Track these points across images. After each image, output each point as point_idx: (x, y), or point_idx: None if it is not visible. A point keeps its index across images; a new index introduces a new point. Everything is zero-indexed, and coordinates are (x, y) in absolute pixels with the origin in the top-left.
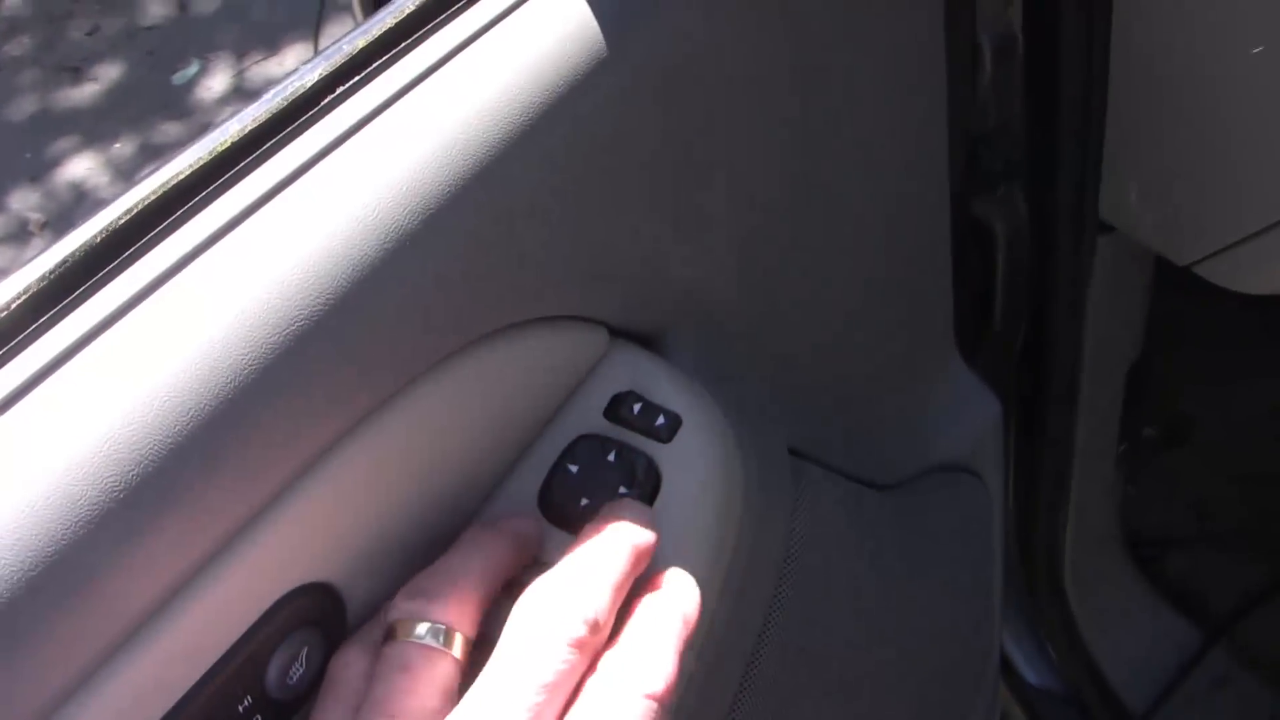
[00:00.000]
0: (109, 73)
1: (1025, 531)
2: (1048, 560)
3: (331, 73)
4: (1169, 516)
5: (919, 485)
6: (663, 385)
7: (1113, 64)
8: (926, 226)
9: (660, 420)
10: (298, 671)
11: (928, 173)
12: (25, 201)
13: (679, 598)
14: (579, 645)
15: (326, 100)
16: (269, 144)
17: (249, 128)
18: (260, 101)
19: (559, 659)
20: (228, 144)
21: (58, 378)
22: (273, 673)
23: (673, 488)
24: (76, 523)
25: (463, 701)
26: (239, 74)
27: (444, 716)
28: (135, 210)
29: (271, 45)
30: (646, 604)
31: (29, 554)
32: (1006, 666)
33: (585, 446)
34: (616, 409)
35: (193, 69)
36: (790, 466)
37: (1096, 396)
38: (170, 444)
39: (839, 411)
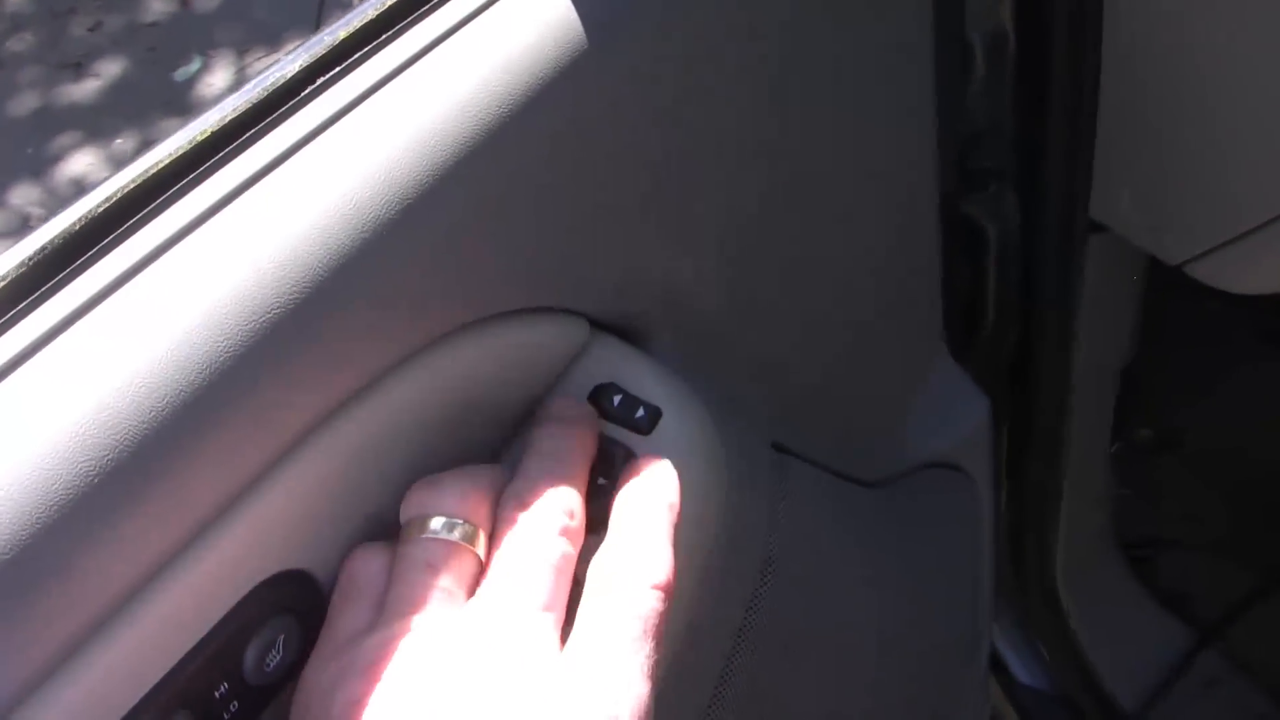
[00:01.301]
0: (111, 69)
1: (1017, 532)
2: (1039, 561)
3: (311, 64)
4: (1160, 518)
5: (906, 482)
6: (644, 378)
7: (1104, 63)
8: (915, 225)
9: (640, 412)
10: (275, 658)
11: (916, 171)
12: (27, 197)
13: (660, 486)
14: (567, 533)
15: (306, 91)
16: (247, 135)
17: (228, 118)
18: (240, 92)
19: (556, 545)
20: (206, 134)
21: (32, 364)
22: (250, 659)
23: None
24: (49, 508)
25: (479, 591)
26: (240, 70)
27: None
28: (113, 199)
29: (273, 41)
30: (630, 497)
31: (0, 539)
32: (998, 666)
33: None
34: (597, 400)
35: (194, 65)
36: (774, 461)
37: (1088, 397)
38: (144, 430)
39: (825, 407)
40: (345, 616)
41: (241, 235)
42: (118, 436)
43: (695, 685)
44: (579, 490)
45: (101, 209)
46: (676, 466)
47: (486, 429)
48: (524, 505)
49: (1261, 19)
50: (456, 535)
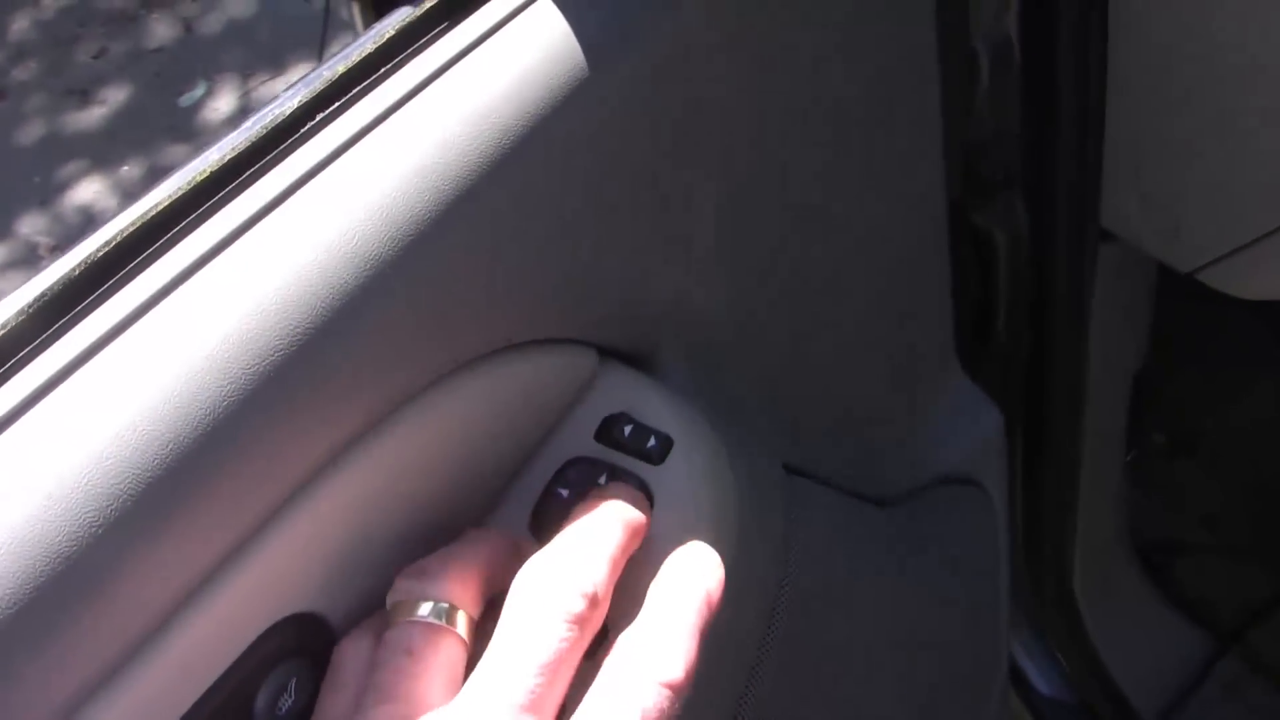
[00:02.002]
0: (116, 95)
1: (1033, 541)
2: (1056, 569)
3: (310, 100)
4: (1178, 524)
5: (920, 499)
6: (654, 406)
7: (1111, 70)
8: (923, 237)
9: (652, 442)
10: (286, 702)
11: (924, 182)
12: (34, 225)
13: (701, 575)
14: (578, 621)
15: (304, 129)
16: (247, 173)
17: (227, 158)
18: (239, 130)
19: (557, 637)
20: (206, 174)
21: (34, 413)
22: (261, 704)
23: (664, 510)
24: (53, 558)
25: (465, 687)
26: (245, 95)
27: (449, 701)
28: (112, 243)
29: (277, 66)
30: (666, 581)
31: (2, 592)
32: (1017, 677)
33: (576, 470)
34: (608, 431)
35: (199, 91)
36: (786, 484)
37: (1102, 405)
38: (148, 476)
39: (836, 426)
40: (330, 703)
41: (242, 277)
42: (120, 485)
43: (712, 714)
44: (610, 570)
45: (100, 253)
46: (689, 494)
47: (497, 464)
48: (537, 582)
49: (1271, 23)
50: (440, 620)
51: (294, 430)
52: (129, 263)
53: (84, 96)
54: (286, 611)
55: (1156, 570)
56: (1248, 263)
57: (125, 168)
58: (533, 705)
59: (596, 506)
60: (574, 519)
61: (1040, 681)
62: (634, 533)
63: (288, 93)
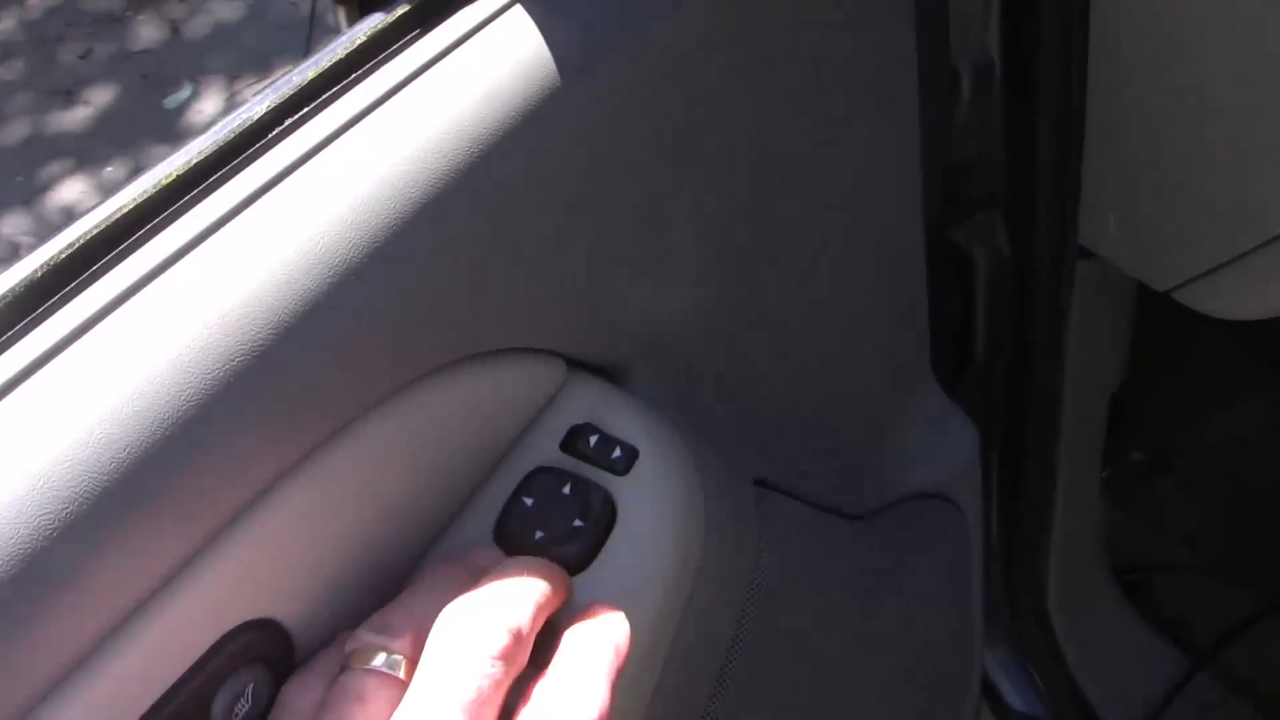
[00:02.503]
0: (102, 96)
1: (1009, 558)
2: (1031, 587)
3: (280, 104)
4: (1155, 542)
5: (893, 514)
6: (621, 417)
7: (1090, 90)
8: (900, 254)
9: (617, 453)
10: (243, 708)
11: (901, 200)
12: (17, 225)
13: (610, 628)
14: (502, 656)
15: (273, 134)
16: (213, 178)
17: (194, 160)
18: (207, 134)
19: (480, 673)
20: (173, 177)
21: None
22: (217, 709)
23: (628, 521)
24: (9, 559)
25: None
26: (231, 97)
27: None
28: (74, 245)
29: (263, 68)
30: (577, 634)
31: None
32: (991, 694)
33: (541, 480)
34: (573, 442)
35: (185, 92)
36: (756, 498)
37: (1079, 423)
38: (104, 481)
39: (810, 441)
40: None
41: (205, 281)
42: (75, 489)
43: None
44: (535, 612)
45: (63, 255)
46: (653, 507)
47: (462, 472)
48: (460, 619)
49: (1248, 46)
50: (393, 670)
51: (255, 436)
52: (92, 265)
53: (69, 97)
54: (245, 617)
55: (1133, 588)
56: (1224, 282)
57: (109, 169)
58: None
59: (523, 559)
60: (498, 571)
61: (1015, 698)
62: (559, 585)
63: (257, 97)
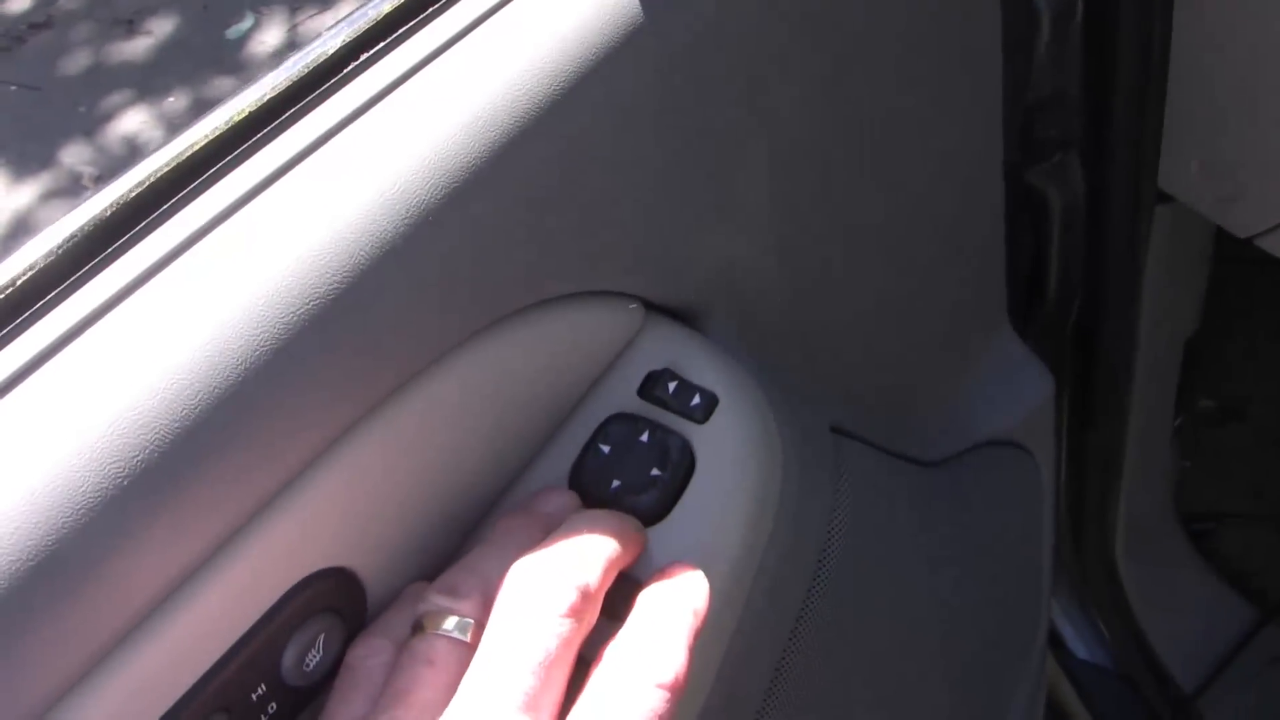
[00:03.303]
0: (163, 27)
1: (1077, 506)
2: (1099, 536)
3: (354, 40)
4: (1224, 493)
5: (965, 460)
6: (699, 363)
7: (1175, 32)
8: (978, 197)
9: (696, 400)
10: (314, 658)
11: (980, 141)
12: (78, 156)
13: (688, 590)
14: (572, 613)
15: (348, 69)
16: (287, 114)
17: (267, 97)
18: (280, 69)
19: (549, 632)
20: (244, 114)
21: (60, 360)
22: (288, 660)
23: (707, 470)
24: (78, 510)
25: (460, 688)
26: (293, 29)
27: None
28: (151, 180)
29: (325, 1)
30: (654, 594)
31: (30, 542)
32: (1056, 641)
33: (618, 427)
34: (651, 388)
35: (247, 23)
36: (832, 445)
37: (1152, 370)
38: (177, 428)
39: (884, 387)
40: (341, 704)
41: (281, 223)
42: (147, 436)
43: (753, 671)
44: (605, 569)
45: (136, 193)
46: (733, 454)
47: (537, 419)
48: (529, 576)
49: None
50: (463, 634)
51: (327, 383)
52: (165, 203)
53: (130, 27)
54: (317, 566)
55: (1201, 539)
56: None
57: (170, 99)
58: (529, 705)
59: (592, 516)
60: (567, 527)
61: (1078, 646)
62: (628, 542)
63: (330, 31)
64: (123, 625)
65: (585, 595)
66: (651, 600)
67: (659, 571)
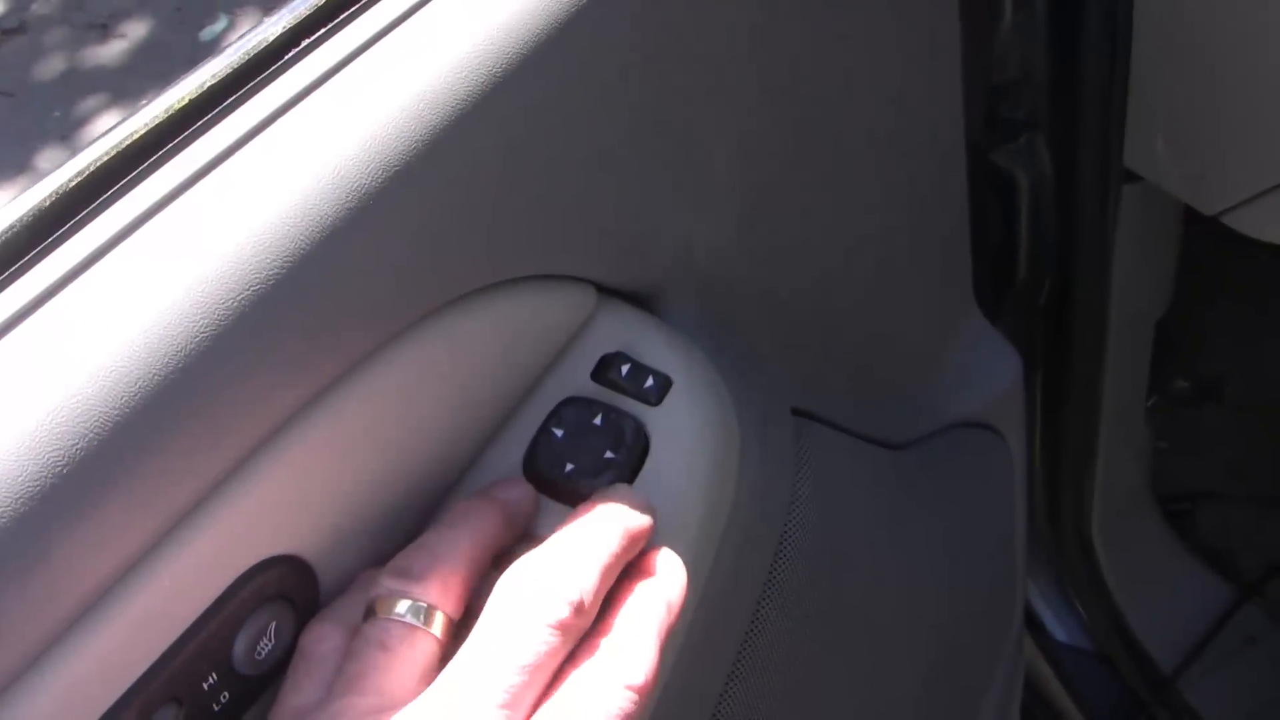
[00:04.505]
0: (137, 30)
1: (1052, 487)
2: (1075, 516)
3: (297, 24)
4: (1200, 472)
5: (934, 443)
6: (654, 345)
7: (1138, 9)
8: (942, 178)
9: (649, 382)
10: (266, 647)
11: (942, 122)
12: (55, 160)
13: (664, 583)
14: (561, 628)
15: (291, 54)
16: (228, 100)
17: (208, 83)
18: (220, 57)
19: (540, 640)
20: (185, 102)
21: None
22: (240, 648)
23: (661, 452)
24: (18, 498)
25: (439, 678)
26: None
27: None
28: (92, 168)
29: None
30: (628, 590)
31: None
32: (1034, 624)
33: (571, 410)
34: (604, 371)
35: (220, 25)
36: (793, 427)
37: (1124, 349)
38: (116, 416)
39: (849, 369)
40: (295, 691)
41: (219, 210)
42: (88, 423)
43: (713, 660)
44: (600, 579)
45: (72, 183)
46: (686, 437)
47: (489, 403)
48: (526, 584)
49: None
50: (418, 620)
51: (272, 368)
52: (99, 195)
53: (104, 31)
54: (266, 554)
55: (1177, 518)
56: (1275, 206)
57: (145, 102)
58: (510, 703)
59: (599, 507)
60: (575, 517)
61: (1057, 628)
62: (633, 541)
63: (272, 18)
64: (68, 615)
65: (579, 610)
66: (625, 596)
67: (636, 561)
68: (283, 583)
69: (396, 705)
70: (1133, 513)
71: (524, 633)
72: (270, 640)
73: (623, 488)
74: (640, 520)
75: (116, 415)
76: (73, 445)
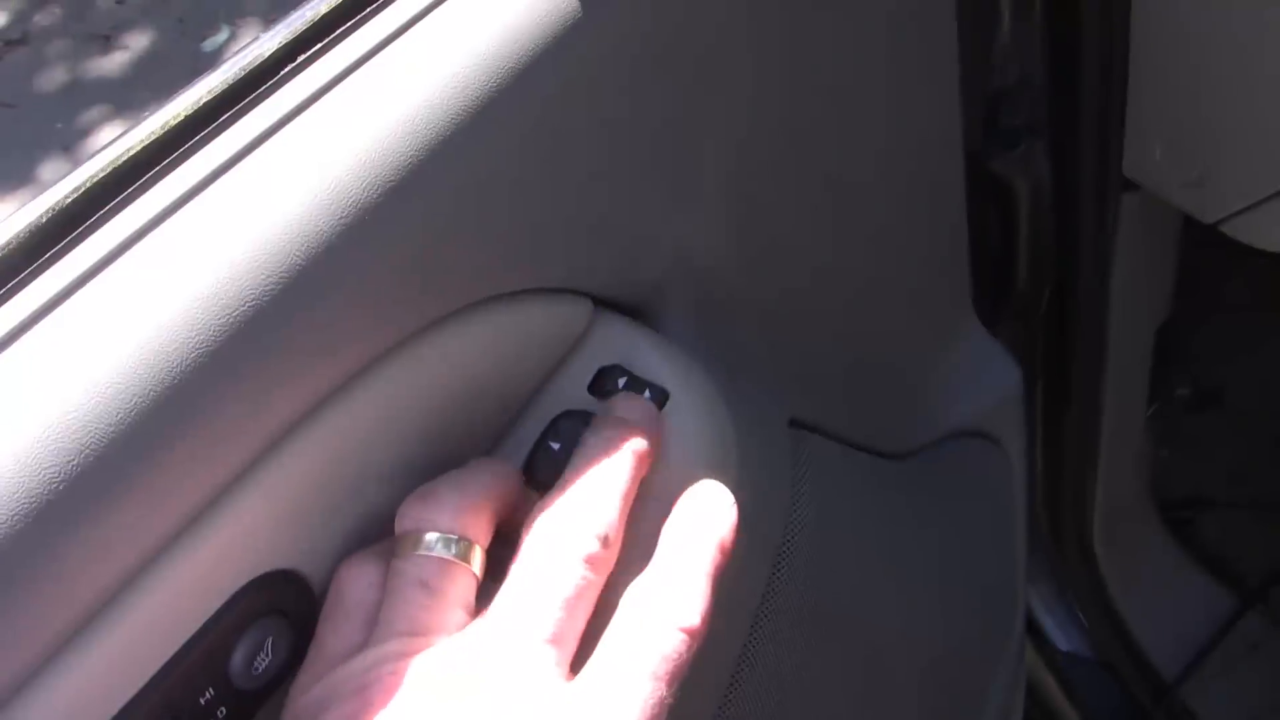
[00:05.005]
0: (139, 41)
1: (1053, 495)
2: (1076, 525)
3: (291, 40)
4: (1202, 479)
5: (934, 453)
6: (651, 358)
7: (1135, 16)
8: (940, 186)
9: (646, 395)
10: (264, 661)
11: (940, 130)
12: (58, 172)
13: (714, 521)
14: (593, 561)
15: (284, 71)
16: (222, 118)
17: (203, 100)
18: (216, 72)
19: (575, 575)
20: (180, 118)
21: None
22: (237, 663)
23: (660, 466)
24: (12, 515)
25: (484, 616)
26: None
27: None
28: (83, 188)
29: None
30: (679, 527)
31: None
32: (1036, 632)
33: (568, 423)
34: (601, 384)
35: (223, 35)
36: (791, 439)
37: (1124, 358)
38: (111, 432)
39: (848, 379)
40: (335, 634)
41: (214, 225)
42: (84, 440)
43: (710, 670)
44: (621, 509)
45: (69, 200)
46: (684, 450)
47: (486, 417)
48: (552, 524)
49: None
50: (453, 552)
51: (268, 382)
52: (96, 211)
53: (106, 42)
54: (263, 569)
55: (1179, 526)
56: (1274, 214)
57: (147, 114)
58: (556, 638)
59: (605, 436)
60: (584, 448)
61: (1059, 637)
62: (643, 460)
63: (268, 33)
64: (63, 632)
65: (606, 543)
66: (674, 536)
67: (684, 500)
68: (279, 597)
69: (443, 644)
70: (1134, 520)
71: (559, 569)
72: (267, 655)
73: (624, 398)
74: (642, 440)
75: (113, 430)
76: (69, 461)
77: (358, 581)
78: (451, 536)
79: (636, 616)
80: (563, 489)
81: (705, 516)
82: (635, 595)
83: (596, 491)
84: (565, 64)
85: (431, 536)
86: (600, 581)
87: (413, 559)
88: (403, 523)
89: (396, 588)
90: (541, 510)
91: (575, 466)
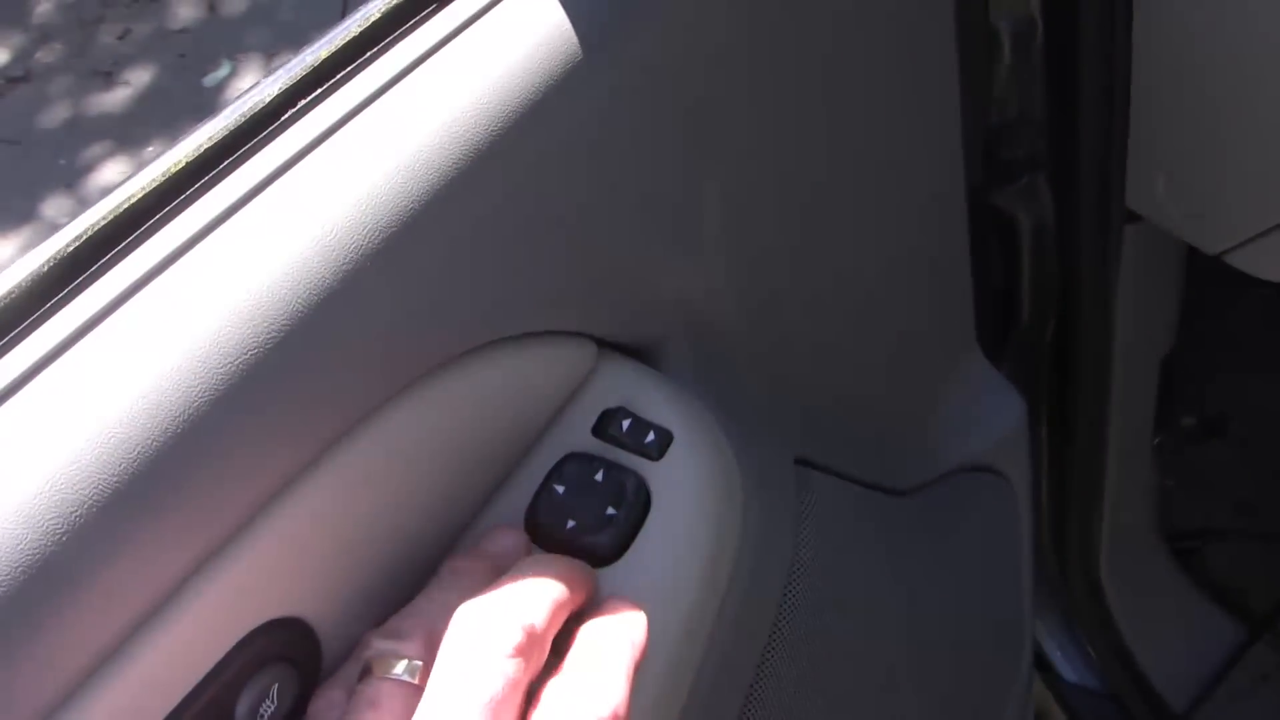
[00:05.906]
0: (141, 77)
1: (1060, 528)
2: (1083, 557)
3: (292, 85)
4: (1208, 510)
5: (939, 488)
6: (654, 400)
7: (1136, 49)
8: (941, 221)
9: (650, 437)
10: (269, 709)
11: (941, 165)
12: (60, 208)
13: (626, 624)
14: (518, 652)
15: (286, 115)
16: (223, 164)
17: (203, 147)
18: (215, 119)
19: (498, 671)
20: (181, 164)
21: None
22: (242, 711)
23: (663, 508)
24: (16, 568)
25: None
26: (270, 73)
27: None
28: (84, 237)
29: (300, 43)
30: (592, 630)
31: None
32: (1043, 664)
33: (573, 466)
34: (605, 426)
35: (224, 71)
36: (796, 478)
37: (1129, 389)
38: (117, 482)
39: (852, 417)
40: None
41: (216, 272)
42: (87, 491)
43: (721, 712)
44: (550, 610)
45: (71, 249)
46: (688, 491)
47: (490, 461)
48: (474, 623)
49: None
50: (410, 676)
51: (272, 431)
52: (100, 258)
53: (108, 78)
54: (268, 616)
55: (1186, 557)
56: (1276, 245)
57: (150, 149)
58: None
59: (540, 560)
60: (516, 570)
61: (1067, 669)
62: (577, 588)
63: (267, 79)
64: (71, 681)
65: (531, 636)
66: (590, 635)
67: (598, 608)
68: (285, 645)
69: None
70: (1141, 551)
71: (482, 667)
72: (273, 702)
73: (557, 557)
74: (582, 570)
75: (116, 481)
76: (72, 513)
77: (325, 710)
78: (415, 663)
79: (556, 711)
80: (492, 588)
81: (620, 618)
82: (554, 689)
83: (526, 588)
84: (564, 113)
85: (396, 665)
86: (527, 677)
87: (371, 683)
88: (368, 653)
89: (349, 710)
90: (467, 606)
91: (508, 574)
